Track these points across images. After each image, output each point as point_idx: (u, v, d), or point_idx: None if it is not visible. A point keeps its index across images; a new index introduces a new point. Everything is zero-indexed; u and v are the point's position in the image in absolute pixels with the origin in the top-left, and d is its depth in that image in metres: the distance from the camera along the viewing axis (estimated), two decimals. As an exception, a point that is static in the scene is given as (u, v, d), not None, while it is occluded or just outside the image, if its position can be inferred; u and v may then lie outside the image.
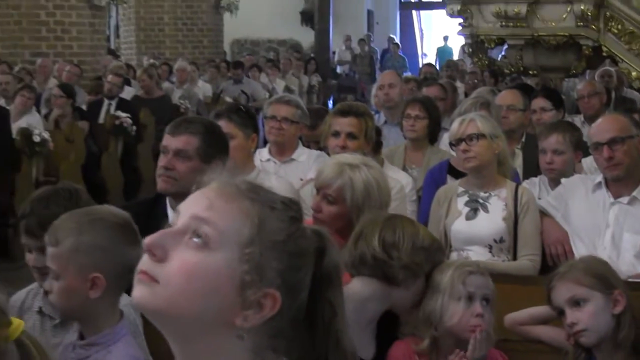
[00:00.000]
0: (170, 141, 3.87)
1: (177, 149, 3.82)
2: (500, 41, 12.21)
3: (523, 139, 6.54)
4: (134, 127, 11.27)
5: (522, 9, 11.39)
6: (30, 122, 9.92)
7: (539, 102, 7.05)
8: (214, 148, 3.91)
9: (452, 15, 13.07)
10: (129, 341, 2.83)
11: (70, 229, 2.79)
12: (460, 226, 4.70)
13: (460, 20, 12.74)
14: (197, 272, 1.62)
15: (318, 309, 1.77)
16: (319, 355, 1.78)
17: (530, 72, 11.70)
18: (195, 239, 1.64)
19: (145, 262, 1.65)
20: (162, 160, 3.86)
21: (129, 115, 11.26)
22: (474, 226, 4.68)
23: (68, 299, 2.77)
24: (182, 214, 1.71)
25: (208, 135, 3.91)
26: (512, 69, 12.08)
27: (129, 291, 2.00)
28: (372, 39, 26.33)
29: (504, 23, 11.67)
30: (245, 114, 5.04)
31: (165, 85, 14.69)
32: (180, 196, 3.80)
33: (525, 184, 5.24)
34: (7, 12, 14.63)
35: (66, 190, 3.31)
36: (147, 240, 1.66)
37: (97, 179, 10.23)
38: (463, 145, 4.66)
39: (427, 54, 29.78)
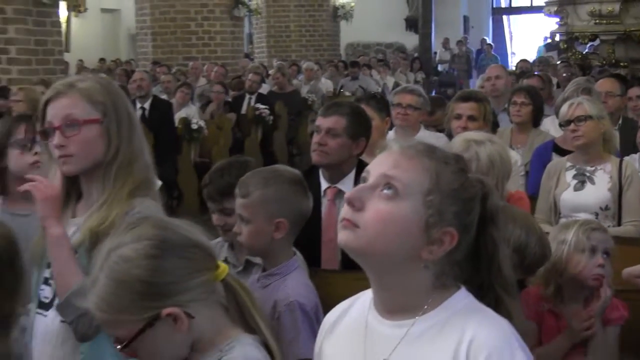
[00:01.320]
0: (322, 121, 3.91)
1: (328, 127, 3.85)
2: (593, 37, 12.01)
3: (620, 122, 6.49)
4: (271, 117, 11.47)
5: (616, 7, 11.17)
6: (188, 113, 10.16)
7: (635, 91, 6.98)
8: (360, 127, 3.93)
9: (549, 14, 12.94)
10: (301, 272, 2.97)
11: (258, 183, 2.90)
12: (568, 196, 4.67)
13: (557, 19, 12.60)
14: (389, 217, 1.69)
15: (482, 242, 1.81)
16: (483, 281, 1.84)
17: (621, 64, 11.45)
18: (385, 191, 1.70)
19: (346, 212, 1.72)
20: (315, 137, 3.90)
21: (266, 107, 11.47)
22: (582, 196, 4.64)
23: (256, 239, 2.89)
24: (372, 172, 1.76)
25: (354, 116, 3.94)
26: (604, 62, 11.83)
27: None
28: (467, 41, 26.08)
29: (597, 21, 11.44)
30: (381, 100, 5.13)
31: (295, 82, 14.84)
32: (330, 167, 3.89)
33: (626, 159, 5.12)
34: (164, 24, 15.08)
35: (237, 162, 3.41)
36: (348, 194, 1.75)
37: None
38: (572, 126, 4.62)
39: (515, 53, 29.25)
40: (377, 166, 1.77)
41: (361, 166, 3.85)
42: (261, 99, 12.02)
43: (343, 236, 1.73)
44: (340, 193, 3.80)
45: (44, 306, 2.60)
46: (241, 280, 2.11)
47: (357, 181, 3.84)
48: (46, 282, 2.60)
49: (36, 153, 3.54)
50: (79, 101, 2.48)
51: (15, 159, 3.57)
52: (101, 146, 2.48)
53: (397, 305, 1.78)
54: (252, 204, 2.86)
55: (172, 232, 1.93)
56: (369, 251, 1.72)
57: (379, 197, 1.71)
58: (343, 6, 21.42)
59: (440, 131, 6.05)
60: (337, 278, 3.44)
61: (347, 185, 3.80)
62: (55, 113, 2.47)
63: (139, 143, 2.59)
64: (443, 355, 1.69)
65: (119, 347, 1.90)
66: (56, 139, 2.45)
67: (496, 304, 1.81)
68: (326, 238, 3.63)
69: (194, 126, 9.78)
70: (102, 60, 20.84)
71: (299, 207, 2.95)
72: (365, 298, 1.89)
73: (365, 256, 1.75)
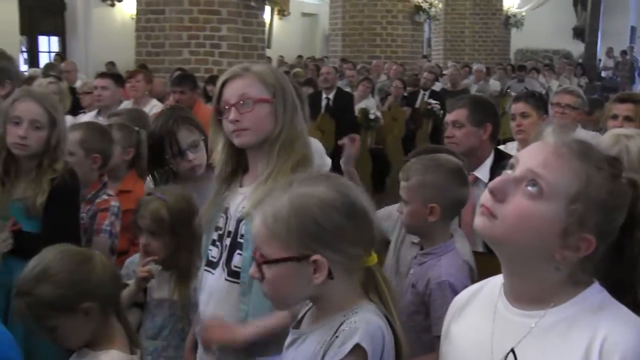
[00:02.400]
0: (448, 117, 3.93)
1: (452, 120, 3.84)
2: None
3: None
4: (442, 112, 11.33)
5: None
6: (367, 104, 10.25)
7: None
8: (482, 113, 3.85)
9: None
10: (456, 253, 2.86)
11: (418, 169, 2.87)
12: None
13: None
14: (528, 216, 1.53)
15: (626, 243, 1.63)
16: (622, 279, 1.65)
17: None
18: (530, 188, 1.54)
19: (487, 200, 1.59)
20: (446, 132, 3.90)
21: (437, 102, 11.36)
22: None
23: (413, 220, 2.86)
24: (520, 164, 1.59)
25: (474, 105, 3.89)
26: None
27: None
28: (634, 50, 24.94)
29: None
30: (539, 98, 4.96)
31: (465, 81, 14.66)
32: (466, 156, 3.68)
33: None
34: (353, 27, 15.44)
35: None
36: (492, 184, 1.60)
37: (412, 149, 10.36)
38: None
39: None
40: (527, 159, 1.59)
41: (499, 156, 3.78)
42: (434, 95, 11.95)
43: (479, 222, 1.60)
44: (477, 180, 3.71)
45: (212, 265, 2.62)
46: (385, 274, 1.99)
47: (493, 170, 3.74)
48: (214, 243, 2.64)
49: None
50: (254, 82, 2.50)
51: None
52: (269, 123, 2.49)
53: (526, 295, 1.62)
54: (410, 188, 2.83)
55: (360, 201, 1.85)
56: (502, 242, 1.59)
57: (522, 193, 1.55)
58: (514, 15, 21.11)
59: (597, 131, 5.81)
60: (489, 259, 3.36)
61: (483, 172, 3.75)
62: (232, 92, 2.49)
63: (300, 124, 2.59)
64: (573, 351, 1.52)
65: (257, 260, 1.79)
66: (232, 114, 2.47)
67: (635, 306, 1.61)
68: (463, 222, 3.57)
69: (372, 116, 9.86)
70: (299, 57, 21.23)
71: (454, 194, 2.86)
72: (495, 282, 1.74)
73: (498, 245, 1.62)
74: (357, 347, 1.68)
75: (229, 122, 2.49)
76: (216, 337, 2.50)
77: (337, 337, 1.71)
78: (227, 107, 2.50)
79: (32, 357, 3.02)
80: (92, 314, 2.34)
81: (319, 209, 1.74)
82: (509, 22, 21.18)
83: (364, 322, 1.72)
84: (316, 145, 4.68)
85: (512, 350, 1.58)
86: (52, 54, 16.84)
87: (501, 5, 21.13)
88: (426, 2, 15.37)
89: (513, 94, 13.89)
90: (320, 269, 1.74)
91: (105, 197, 3.75)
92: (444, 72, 15.11)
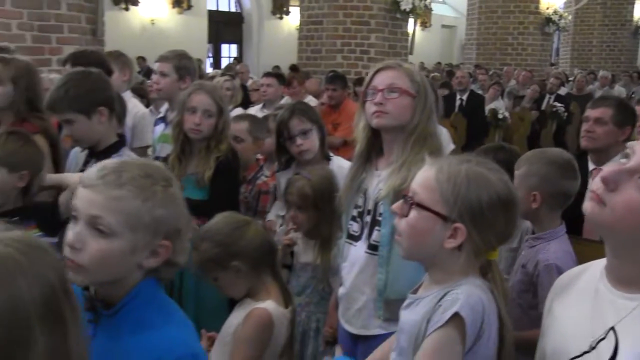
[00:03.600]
0: (590, 112, 3.66)
1: (595, 117, 3.60)
2: None
3: None
4: (565, 114, 10.89)
5: None
6: (497, 106, 9.98)
7: None
8: (625, 117, 3.62)
9: None
10: (565, 240, 2.74)
11: (527, 160, 2.79)
12: None
13: None
14: (638, 209, 1.39)
15: None
16: None
17: None
18: None
19: (598, 186, 1.45)
20: (584, 126, 3.66)
21: (562, 105, 10.92)
22: None
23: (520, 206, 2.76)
24: (636, 153, 1.44)
25: (619, 107, 3.66)
26: None
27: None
28: None
29: None
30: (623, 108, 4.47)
31: (590, 87, 14.00)
32: (597, 152, 3.61)
33: None
34: (487, 37, 15.14)
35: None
36: (604, 172, 1.46)
37: (536, 147, 10.06)
38: None
39: None
40: None
41: None
42: (559, 98, 11.46)
43: (588, 207, 1.48)
44: None
45: (353, 238, 2.62)
46: (499, 269, 1.88)
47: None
48: (354, 219, 2.63)
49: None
50: (403, 76, 2.49)
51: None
52: (407, 115, 2.46)
53: (629, 277, 1.48)
54: (518, 176, 2.73)
55: (518, 203, 1.75)
56: (608, 229, 1.47)
57: (636, 186, 1.40)
58: (645, 24, 19.69)
59: None
60: (595, 247, 3.20)
61: None
62: (381, 80, 2.48)
63: (433, 124, 2.56)
64: None
65: (411, 199, 1.70)
66: (378, 97, 2.46)
67: None
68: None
69: (500, 116, 9.59)
70: (438, 63, 20.95)
71: (558, 184, 2.72)
72: (598, 266, 1.62)
73: (605, 231, 1.50)
74: (457, 316, 1.60)
75: (373, 104, 2.48)
76: None
77: (440, 305, 1.64)
78: (374, 91, 2.48)
79: (200, 306, 3.18)
80: (242, 272, 2.43)
81: (487, 193, 1.66)
82: (638, 32, 20.00)
83: (466, 294, 1.64)
84: (444, 133, 4.63)
85: (613, 328, 1.47)
86: (231, 58, 17.35)
87: (631, 16, 19.97)
88: (556, 14, 14.77)
89: (638, 98, 13.23)
90: (456, 236, 1.66)
91: (263, 178, 3.84)
92: (569, 78, 14.52)
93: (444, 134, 4.79)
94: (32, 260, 0.89)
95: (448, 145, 4.73)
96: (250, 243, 2.46)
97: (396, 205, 1.76)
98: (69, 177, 2.75)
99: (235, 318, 2.45)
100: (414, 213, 1.70)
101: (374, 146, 2.60)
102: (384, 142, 2.57)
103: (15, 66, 3.25)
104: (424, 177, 1.72)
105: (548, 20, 14.68)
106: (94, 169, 1.47)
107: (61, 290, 0.92)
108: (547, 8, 14.68)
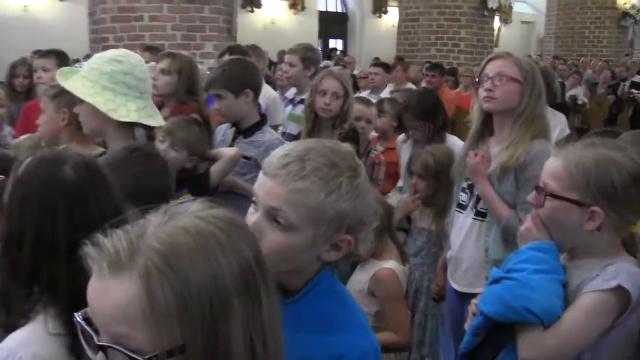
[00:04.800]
0: None
1: None
2: None
3: None
4: (641, 99, 10.23)
5: None
6: (576, 92, 9.47)
7: None
8: None
9: None
10: None
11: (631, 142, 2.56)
12: None
13: None
14: None
15: None
16: None
17: None
18: None
19: None
20: None
21: (638, 91, 10.22)
22: None
23: None
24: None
25: None
26: None
27: None
28: None
29: None
30: None
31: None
32: None
33: None
34: (565, 31, 14.57)
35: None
36: None
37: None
38: None
39: None
40: None
41: None
42: (634, 85, 10.63)
43: None
44: None
45: (462, 207, 2.58)
46: None
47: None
48: (463, 190, 2.58)
49: None
50: (511, 64, 2.38)
51: None
52: (515, 100, 2.36)
53: None
54: None
55: None
56: None
57: None
58: None
59: None
60: None
61: None
62: (492, 68, 2.40)
63: (541, 110, 2.42)
64: None
65: (544, 190, 1.54)
66: (487, 84, 2.38)
67: None
68: None
69: (579, 102, 9.09)
70: (518, 55, 20.15)
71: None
72: None
73: None
74: (619, 288, 1.44)
75: (484, 90, 2.40)
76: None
77: (598, 275, 1.48)
78: (486, 78, 2.40)
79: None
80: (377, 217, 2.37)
81: (618, 173, 1.48)
82: None
83: (627, 269, 1.48)
84: (561, 120, 4.42)
85: None
86: (338, 51, 17.42)
87: None
88: (634, 8, 13.82)
89: None
90: (594, 219, 1.50)
91: (375, 152, 3.80)
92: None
93: (561, 121, 4.54)
94: (230, 236, 0.82)
95: (564, 130, 4.47)
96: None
97: (531, 197, 1.62)
98: (224, 150, 2.75)
99: (362, 275, 2.41)
100: (548, 203, 1.54)
101: (487, 126, 2.52)
102: (494, 123, 2.49)
103: (180, 60, 3.34)
104: (552, 168, 1.56)
105: (625, 14, 13.79)
106: (277, 155, 1.17)
107: (256, 265, 0.84)
108: (625, 3, 13.77)
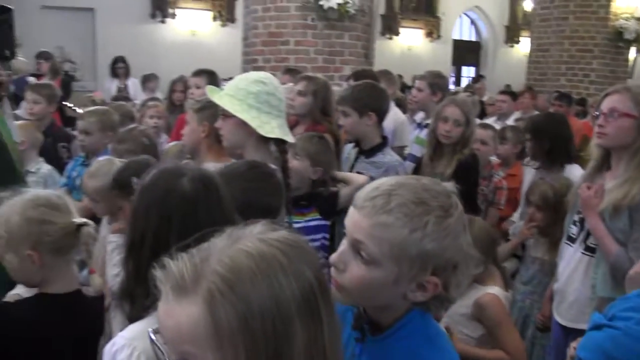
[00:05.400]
0: None
1: None
2: None
3: None
4: None
5: None
6: None
7: None
8: None
9: None
10: None
11: None
12: None
13: None
14: None
15: None
16: None
17: None
18: None
19: None
20: None
21: None
22: None
23: None
24: None
25: None
26: None
27: None
28: None
29: None
30: None
31: None
32: None
33: None
34: None
35: None
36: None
37: None
38: None
39: None
40: None
41: None
42: None
43: None
44: None
45: (571, 239, 2.37)
46: None
47: None
48: (574, 223, 2.36)
49: None
50: (626, 99, 2.14)
51: None
52: (629, 136, 2.13)
53: None
54: None
55: None
56: None
57: None
58: None
59: None
60: None
61: None
62: (606, 104, 2.18)
63: None
64: None
65: None
66: (600, 120, 2.18)
67: None
68: None
69: None
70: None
71: None
72: None
73: None
74: None
75: (597, 125, 2.20)
76: None
77: None
78: (599, 114, 2.20)
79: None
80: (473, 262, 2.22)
81: None
82: None
83: None
84: None
85: None
86: (470, 78, 16.98)
87: None
88: None
89: None
90: None
91: (498, 177, 3.63)
92: None
93: None
94: (292, 258, 0.77)
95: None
96: (477, 237, 2.22)
97: None
98: (354, 176, 2.69)
99: (465, 300, 2.26)
100: None
101: (606, 160, 2.29)
102: (612, 158, 2.26)
103: (316, 82, 3.40)
104: None
105: None
106: (368, 187, 1.09)
107: (318, 286, 0.78)
108: None
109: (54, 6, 10.30)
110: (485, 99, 8.67)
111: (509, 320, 2.25)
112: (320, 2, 6.24)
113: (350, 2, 6.29)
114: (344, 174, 2.72)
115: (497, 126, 4.55)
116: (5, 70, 2.83)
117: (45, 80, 5.78)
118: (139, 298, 1.17)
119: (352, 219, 1.07)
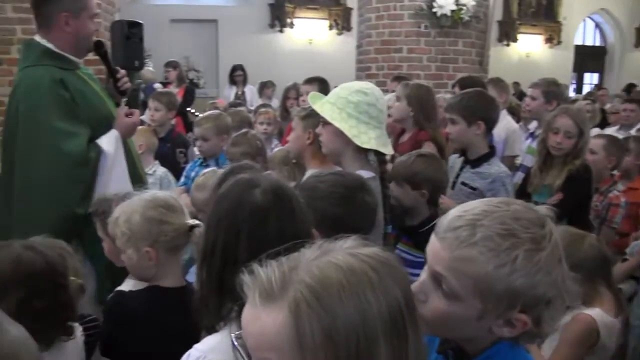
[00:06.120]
0: None
1: None
2: None
3: None
4: None
5: None
6: None
7: None
8: None
9: None
10: None
11: None
12: None
13: None
14: None
15: None
16: None
17: None
18: None
19: None
20: None
21: None
22: None
23: None
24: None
25: None
26: None
27: None
28: None
29: None
30: None
31: None
32: None
33: None
34: None
35: None
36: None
37: None
38: None
39: None
40: None
41: None
42: None
43: None
44: None
45: None
46: None
47: None
48: None
49: None
50: None
51: None
52: None
53: None
54: None
55: None
56: None
57: None
58: None
59: None
60: None
61: None
62: None
63: None
64: None
65: None
66: None
67: None
68: None
69: None
70: None
71: None
72: None
73: None
74: None
75: None
76: None
77: None
78: None
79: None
80: (577, 281, 2.03)
81: None
82: None
83: None
84: None
85: None
86: (592, 85, 15.85)
87: None
88: None
89: None
90: None
91: (615, 192, 3.33)
92: None
93: None
94: (382, 276, 0.74)
95: None
96: (587, 254, 2.06)
97: None
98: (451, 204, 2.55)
99: (564, 319, 2.06)
100: None
101: None
102: None
103: (411, 88, 3.38)
104: None
105: None
106: (451, 214, 0.99)
107: (405, 306, 0.75)
108: None
109: (181, 19, 11.01)
110: (607, 107, 8.02)
111: (581, 346, 2.01)
112: (434, 9, 6.13)
113: (465, 8, 6.12)
114: (446, 202, 2.52)
115: (620, 136, 4.23)
116: (135, 80, 3.05)
117: (171, 88, 6.19)
118: (213, 307, 1.17)
119: (433, 249, 0.98)
